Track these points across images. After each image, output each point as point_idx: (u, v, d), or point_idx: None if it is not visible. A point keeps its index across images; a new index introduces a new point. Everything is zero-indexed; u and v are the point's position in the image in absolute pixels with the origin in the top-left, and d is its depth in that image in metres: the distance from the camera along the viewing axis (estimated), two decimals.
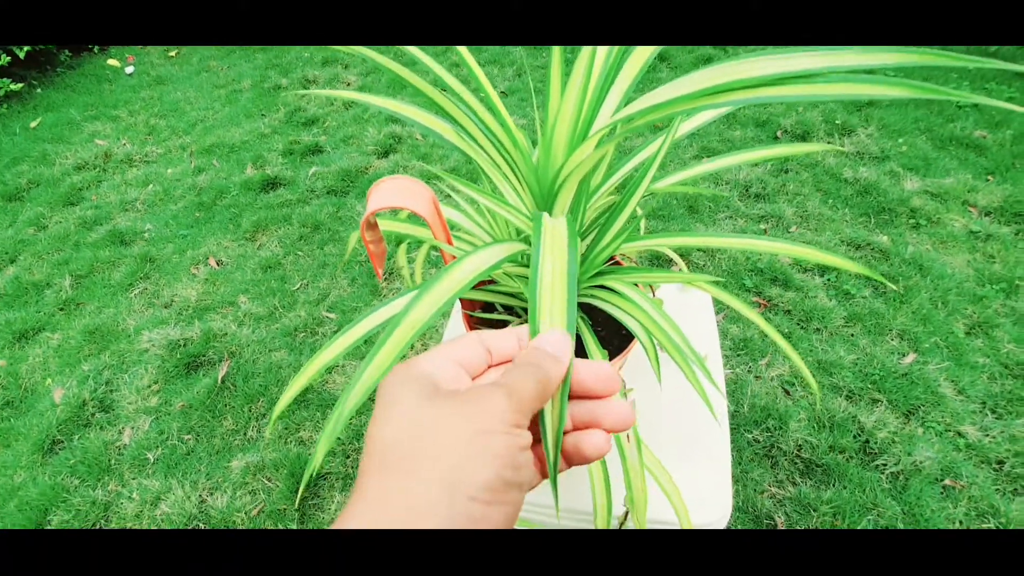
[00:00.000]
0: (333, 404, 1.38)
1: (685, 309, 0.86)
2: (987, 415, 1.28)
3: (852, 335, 1.47)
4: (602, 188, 0.59)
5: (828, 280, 1.61)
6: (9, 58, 2.90)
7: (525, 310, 0.59)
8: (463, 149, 0.52)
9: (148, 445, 1.34)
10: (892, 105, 2.29)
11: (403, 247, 0.81)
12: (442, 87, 0.56)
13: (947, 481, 1.17)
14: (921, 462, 1.18)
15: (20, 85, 2.93)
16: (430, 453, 0.22)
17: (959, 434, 1.25)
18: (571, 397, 0.27)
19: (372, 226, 0.54)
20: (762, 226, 1.80)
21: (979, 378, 1.35)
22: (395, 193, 0.50)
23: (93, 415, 1.42)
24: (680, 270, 0.72)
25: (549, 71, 0.47)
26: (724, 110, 0.47)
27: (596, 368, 0.27)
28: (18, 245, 2.02)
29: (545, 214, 0.44)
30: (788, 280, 1.60)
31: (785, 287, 1.59)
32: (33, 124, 2.81)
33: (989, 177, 1.92)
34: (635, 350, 0.65)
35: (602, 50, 0.48)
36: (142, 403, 1.43)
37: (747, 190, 1.94)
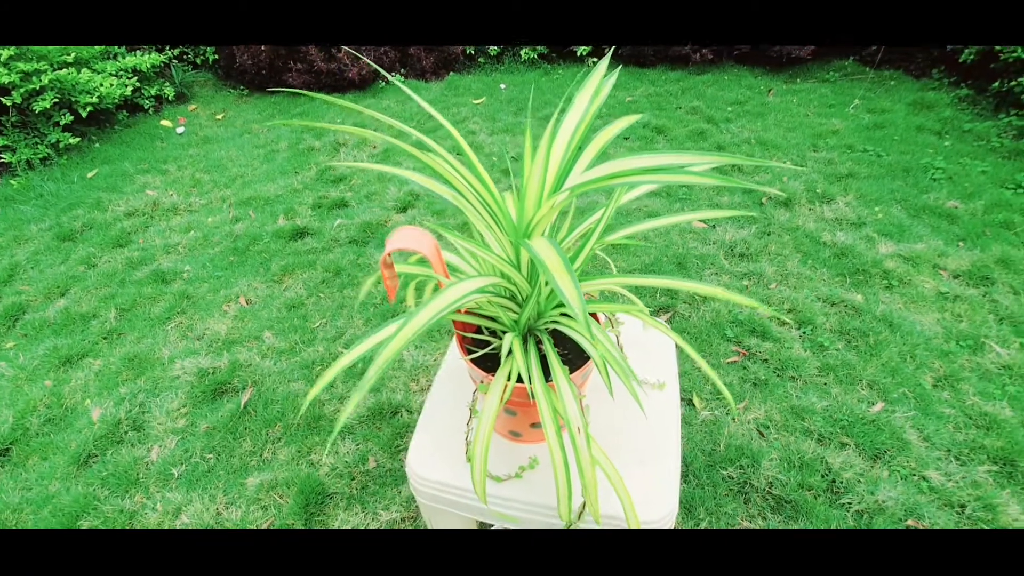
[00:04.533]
0: (341, 430, 1.51)
1: (649, 343, 1.01)
2: (951, 462, 1.37)
3: (825, 384, 1.58)
4: (569, 237, 0.76)
5: (804, 333, 1.73)
6: (72, 116, 3.23)
7: (504, 331, 0.74)
8: (460, 207, 0.70)
9: (173, 462, 1.47)
10: (870, 176, 2.48)
11: (412, 286, 0.98)
12: (458, 151, 0.74)
13: (910, 521, 1.24)
14: (884, 502, 1.27)
15: (78, 139, 3.26)
16: None
17: (923, 478, 1.33)
18: None
19: (389, 265, 0.71)
20: (744, 282, 1.95)
21: (944, 427, 1.44)
22: (406, 239, 0.67)
23: (126, 433, 1.56)
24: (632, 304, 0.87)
25: (523, 154, 0.66)
26: (653, 185, 0.64)
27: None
28: (69, 280, 2.24)
29: (528, 240, 0.61)
30: (766, 332, 1.73)
31: (763, 338, 1.71)
32: (90, 174, 3.13)
33: (960, 243, 2.07)
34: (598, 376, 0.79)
35: (564, 135, 0.67)
36: (171, 424, 1.58)
37: (732, 249, 2.10)
